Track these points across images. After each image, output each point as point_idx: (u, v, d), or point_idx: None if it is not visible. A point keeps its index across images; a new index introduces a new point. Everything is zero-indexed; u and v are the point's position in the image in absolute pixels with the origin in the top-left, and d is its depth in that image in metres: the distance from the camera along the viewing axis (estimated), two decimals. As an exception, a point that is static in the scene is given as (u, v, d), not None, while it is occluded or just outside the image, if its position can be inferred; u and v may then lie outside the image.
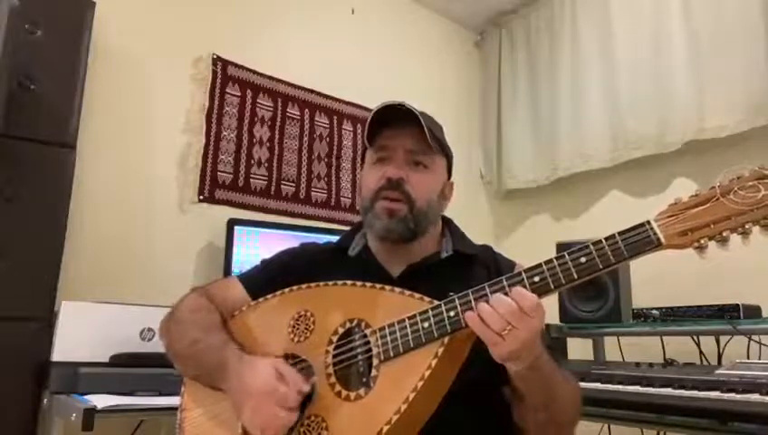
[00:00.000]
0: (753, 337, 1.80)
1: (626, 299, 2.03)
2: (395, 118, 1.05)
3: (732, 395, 1.23)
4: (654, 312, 1.91)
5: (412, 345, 0.85)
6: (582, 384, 1.52)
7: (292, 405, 0.86)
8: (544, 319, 0.81)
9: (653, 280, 2.08)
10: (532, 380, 0.86)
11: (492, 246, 1.17)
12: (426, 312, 0.86)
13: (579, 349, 2.27)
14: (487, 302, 0.81)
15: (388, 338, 0.87)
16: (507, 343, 0.79)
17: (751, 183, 0.76)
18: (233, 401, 0.92)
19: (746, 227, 0.74)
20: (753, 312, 1.79)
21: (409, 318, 0.87)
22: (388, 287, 0.95)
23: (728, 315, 1.73)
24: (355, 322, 0.93)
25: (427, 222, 1.07)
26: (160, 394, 1.50)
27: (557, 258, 0.83)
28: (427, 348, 0.84)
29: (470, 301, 0.84)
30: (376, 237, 1.08)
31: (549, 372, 0.88)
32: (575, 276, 0.81)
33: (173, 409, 1.07)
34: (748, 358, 1.80)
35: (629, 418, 1.44)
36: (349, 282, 0.98)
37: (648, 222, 0.79)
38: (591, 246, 0.81)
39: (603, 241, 0.81)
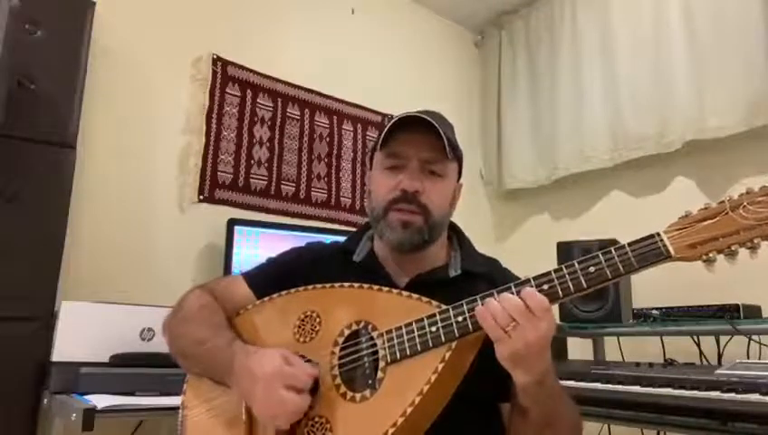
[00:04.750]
0: (753, 337, 1.81)
1: (626, 299, 2.03)
2: (409, 121, 1.02)
3: (732, 395, 1.23)
4: (654, 312, 1.91)
5: (419, 349, 0.85)
6: (582, 384, 1.52)
7: (301, 386, 0.85)
8: (554, 326, 0.81)
9: (653, 280, 2.07)
10: (539, 395, 0.85)
11: (493, 255, 1.16)
12: (434, 316, 0.86)
13: (579, 349, 2.27)
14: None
15: (395, 341, 0.87)
16: (512, 341, 0.78)
17: (760, 198, 0.76)
18: (242, 394, 0.91)
19: (755, 241, 0.75)
20: (753, 312, 1.79)
21: (417, 322, 0.86)
22: (395, 290, 0.94)
23: (728, 315, 1.73)
24: (362, 323, 0.92)
25: (440, 230, 1.07)
26: (160, 394, 1.50)
27: (566, 267, 0.82)
28: (434, 352, 0.84)
29: (478, 306, 0.83)
30: (387, 246, 1.07)
31: (556, 390, 0.88)
32: (584, 285, 0.81)
33: (173, 409, 1.06)
34: (748, 358, 1.80)
35: (629, 418, 1.44)
36: (356, 284, 0.97)
37: (658, 234, 0.80)
38: (601, 256, 0.81)
39: (613, 251, 0.81)
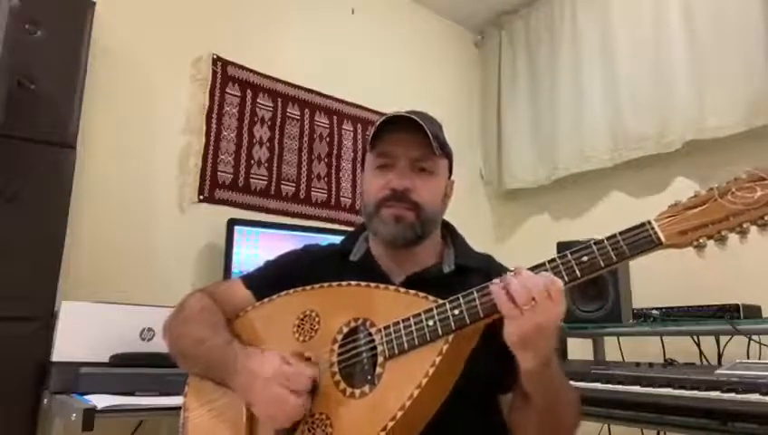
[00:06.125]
0: (753, 337, 1.81)
1: (626, 299, 2.03)
2: (398, 120, 1.04)
3: (732, 395, 1.23)
4: (654, 312, 1.91)
5: (417, 343, 0.86)
6: (582, 384, 1.52)
7: (299, 388, 0.87)
8: (564, 313, 0.80)
9: (653, 280, 2.08)
10: (543, 379, 0.85)
11: (491, 254, 1.16)
12: (430, 310, 0.87)
13: (579, 349, 2.27)
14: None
15: (393, 336, 0.88)
16: (523, 321, 0.78)
17: (747, 184, 0.78)
18: (241, 392, 0.93)
19: (744, 226, 0.76)
20: (753, 312, 1.79)
21: (414, 316, 0.87)
22: (392, 287, 0.96)
23: (728, 315, 1.73)
24: (360, 321, 0.93)
25: (433, 225, 1.08)
26: (160, 394, 1.50)
27: (560, 257, 0.84)
28: (431, 346, 0.85)
29: (474, 299, 0.84)
30: (381, 242, 1.08)
31: (558, 374, 0.89)
32: (578, 274, 0.82)
33: (173, 409, 1.07)
34: (748, 358, 1.80)
35: (629, 418, 1.44)
36: (353, 282, 0.98)
37: (649, 222, 0.81)
38: (593, 245, 0.82)
39: (605, 240, 0.82)
